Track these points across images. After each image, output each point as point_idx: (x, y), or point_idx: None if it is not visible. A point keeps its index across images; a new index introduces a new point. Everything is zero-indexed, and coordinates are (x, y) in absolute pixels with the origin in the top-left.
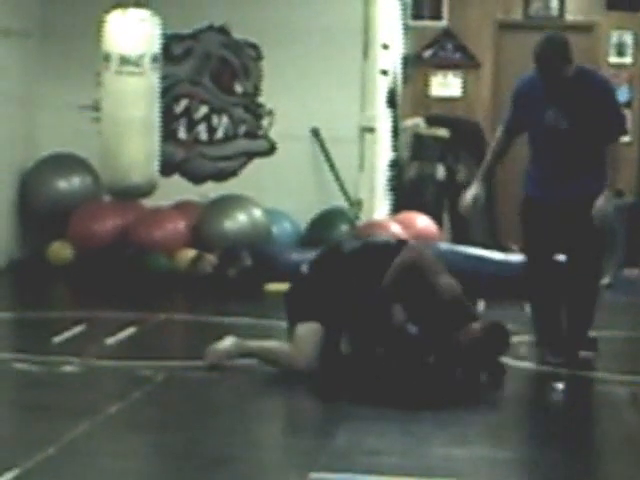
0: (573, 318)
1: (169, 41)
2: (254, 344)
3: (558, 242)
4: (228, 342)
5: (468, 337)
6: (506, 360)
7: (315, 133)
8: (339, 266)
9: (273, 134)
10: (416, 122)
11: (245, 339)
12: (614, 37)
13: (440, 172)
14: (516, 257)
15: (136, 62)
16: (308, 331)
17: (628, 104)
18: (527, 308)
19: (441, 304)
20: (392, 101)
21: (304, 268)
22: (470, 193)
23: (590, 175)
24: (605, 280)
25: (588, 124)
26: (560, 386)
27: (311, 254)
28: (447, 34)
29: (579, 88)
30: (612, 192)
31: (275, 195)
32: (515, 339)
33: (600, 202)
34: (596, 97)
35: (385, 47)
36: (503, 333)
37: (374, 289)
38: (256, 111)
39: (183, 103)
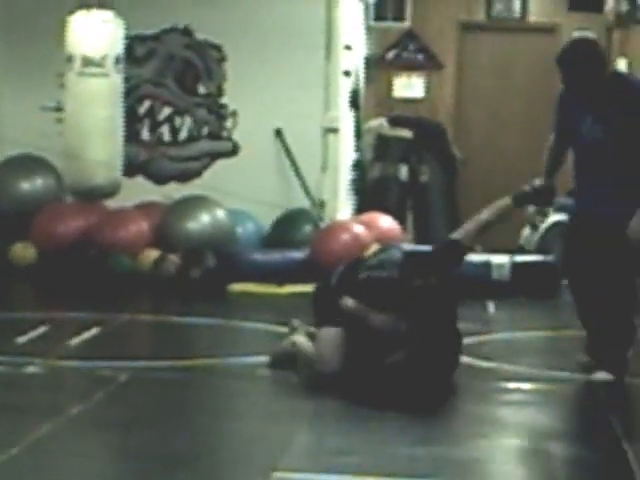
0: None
1: (132, 42)
2: (292, 346)
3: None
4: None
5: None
6: (470, 360)
7: (278, 134)
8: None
9: (236, 135)
10: (379, 123)
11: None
12: None
13: (403, 173)
14: (478, 257)
15: (99, 63)
16: (329, 336)
17: None
18: (491, 307)
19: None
20: (355, 102)
21: (333, 279)
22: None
23: (630, 191)
24: None
25: (626, 134)
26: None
27: (274, 255)
28: (410, 35)
29: (614, 95)
30: None
31: (238, 196)
32: (478, 339)
33: (636, 222)
34: (633, 104)
35: (348, 48)
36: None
37: None
38: (219, 112)
39: (146, 104)
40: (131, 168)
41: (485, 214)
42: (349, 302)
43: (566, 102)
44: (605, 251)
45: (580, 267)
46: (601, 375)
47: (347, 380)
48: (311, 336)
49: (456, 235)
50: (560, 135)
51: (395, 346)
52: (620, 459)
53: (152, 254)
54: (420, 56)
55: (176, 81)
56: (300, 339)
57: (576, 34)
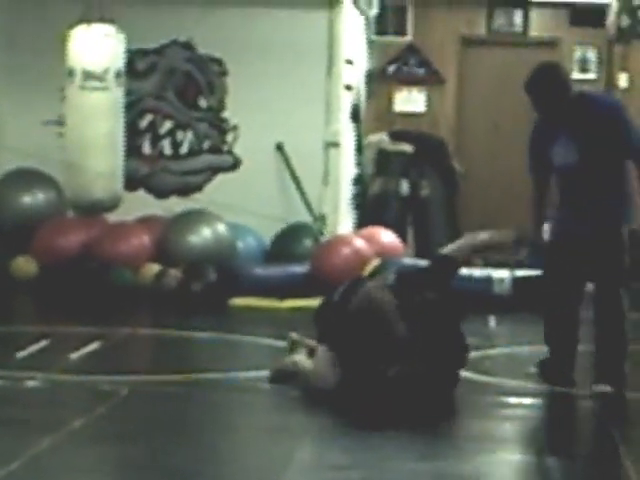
0: (604, 352)
1: (133, 56)
2: (292, 364)
3: (585, 274)
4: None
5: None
6: (471, 375)
7: (279, 148)
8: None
9: (237, 149)
10: (380, 137)
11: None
12: (577, 53)
13: (404, 187)
14: (479, 272)
15: (100, 77)
16: (324, 354)
17: None
18: (492, 322)
19: None
20: (356, 116)
21: (336, 296)
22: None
23: (613, 204)
24: None
25: (600, 153)
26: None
27: (275, 269)
28: (411, 49)
29: (582, 115)
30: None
31: (240, 210)
32: (478, 353)
33: None
34: (602, 122)
35: (349, 62)
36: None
37: None
38: (220, 126)
39: (147, 118)
40: (132, 182)
41: (484, 236)
42: None
43: (540, 130)
44: (593, 267)
45: (568, 284)
46: (601, 388)
47: (345, 394)
48: (311, 352)
49: (447, 250)
50: (540, 165)
51: (394, 359)
52: (620, 474)
53: (153, 268)
54: (421, 70)
55: (177, 95)
56: (301, 357)
57: (542, 62)
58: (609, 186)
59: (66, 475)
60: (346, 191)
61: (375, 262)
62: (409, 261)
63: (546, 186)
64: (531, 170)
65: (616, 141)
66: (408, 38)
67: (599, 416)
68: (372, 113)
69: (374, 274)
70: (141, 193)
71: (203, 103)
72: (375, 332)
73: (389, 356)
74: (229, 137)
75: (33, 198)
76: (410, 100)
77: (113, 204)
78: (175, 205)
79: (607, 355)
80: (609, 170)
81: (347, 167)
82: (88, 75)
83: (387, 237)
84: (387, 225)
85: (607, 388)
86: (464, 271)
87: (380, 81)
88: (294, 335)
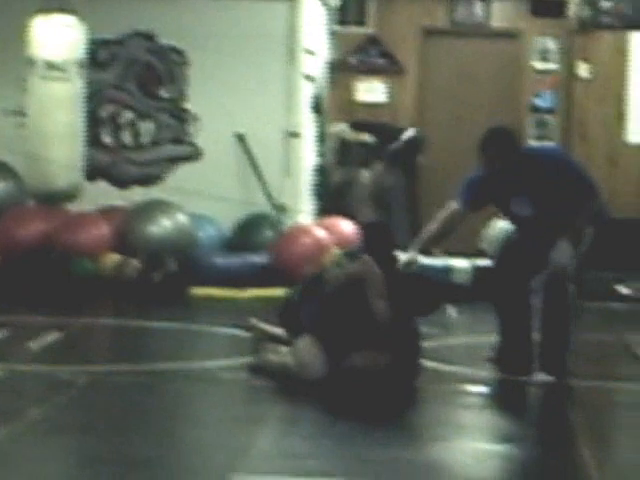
0: (548, 341)
1: (94, 46)
2: (276, 359)
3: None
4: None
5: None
6: (431, 364)
7: (240, 138)
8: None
9: (199, 139)
10: (341, 128)
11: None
12: (538, 43)
13: (365, 177)
14: (439, 262)
15: (61, 67)
16: (306, 344)
17: (552, 110)
18: (452, 312)
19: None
20: (317, 107)
21: (295, 296)
22: (406, 257)
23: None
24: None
25: (553, 204)
26: None
27: (235, 259)
28: (372, 40)
29: (530, 172)
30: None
31: (200, 200)
32: (439, 343)
33: (557, 255)
34: (551, 173)
35: (310, 53)
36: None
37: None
38: (181, 116)
39: (108, 108)
40: (93, 172)
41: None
42: None
43: (489, 181)
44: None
45: (517, 274)
46: (542, 377)
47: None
48: (274, 339)
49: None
50: (473, 205)
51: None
52: (577, 461)
53: (113, 258)
54: (382, 61)
55: (138, 85)
56: (272, 356)
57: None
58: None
59: (25, 465)
60: (307, 181)
61: (335, 251)
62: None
63: (461, 221)
64: (464, 205)
65: (571, 186)
66: (370, 29)
67: (555, 403)
68: (333, 103)
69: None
70: (102, 183)
71: (164, 93)
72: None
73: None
74: (190, 127)
75: None
76: (371, 90)
77: (74, 194)
78: (136, 195)
79: (550, 345)
80: (562, 218)
81: (308, 157)
82: (49, 65)
83: (347, 227)
84: (348, 215)
85: (548, 377)
86: (423, 260)
87: (341, 71)
88: (253, 320)
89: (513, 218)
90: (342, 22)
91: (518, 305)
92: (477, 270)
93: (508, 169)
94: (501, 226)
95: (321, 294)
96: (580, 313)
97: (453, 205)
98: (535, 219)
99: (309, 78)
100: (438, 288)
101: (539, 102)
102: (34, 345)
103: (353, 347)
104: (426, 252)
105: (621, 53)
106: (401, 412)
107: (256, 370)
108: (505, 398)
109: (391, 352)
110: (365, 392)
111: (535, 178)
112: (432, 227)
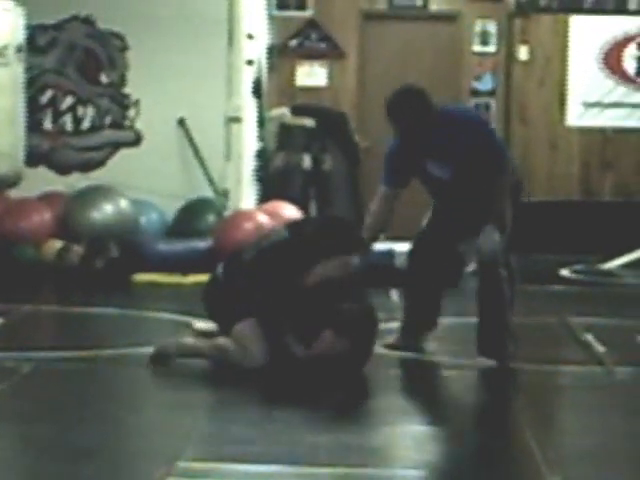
0: (484, 326)
1: (33, 31)
2: (204, 344)
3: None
4: (176, 340)
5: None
6: (374, 348)
7: (181, 123)
8: (243, 273)
9: (139, 124)
10: (282, 112)
11: (194, 338)
12: (478, 26)
13: (306, 162)
14: (382, 245)
15: (0, 52)
16: (248, 329)
17: (492, 92)
18: (394, 295)
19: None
20: (258, 91)
21: (219, 273)
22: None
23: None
24: (470, 267)
25: (470, 168)
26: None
27: (178, 245)
28: (312, 24)
29: (446, 131)
30: (496, 224)
31: (142, 185)
32: (382, 326)
33: (483, 242)
34: (467, 133)
35: (250, 37)
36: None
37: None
38: (122, 101)
39: (48, 94)
40: (34, 158)
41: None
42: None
43: (405, 148)
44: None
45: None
46: (482, 361)
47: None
48: (204, 334)
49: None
50: (398, 180)
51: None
52: (520, 443)
53: (55, 244)
54: (322, 45)
55: (78, 70)
56: (191, 340)
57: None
58: (481, 199)
59: None
60: (248, 166)
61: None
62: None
63: (395, 200)
64: (389, 183)
65: (484, 149)
66: (309, 13)
67: (498, 386)
68: (274, 87)
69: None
70: (42, 169)
71: (104, 78)
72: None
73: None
74: (131, 112)
75: None
76: (312, 74)
77: (14, 180)
78: (77, 181)
79: (487, 329)
80: (482, 182)
81: (249, 142)
82: None
83: (290, 211)
84: (290, 199)
85: (489, 362)
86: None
87: (282, 56)
88: (200, 325)
89: (432, 186)
90: (282, 6)
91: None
92: None
93: (423, 131)
94: None
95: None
96: (514, 296)
97: (382, 189)
98: (454, 186)
99: (249, 62)
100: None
101: (479, 85)
102: None
103: (291, 329)
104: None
105: (560, 35)
106: (344, 397)
107: (162, 358)
108: (449, 382)
109: (350, 338)
110: (312, 377)
111: (451, 137)
112: (370, 221)
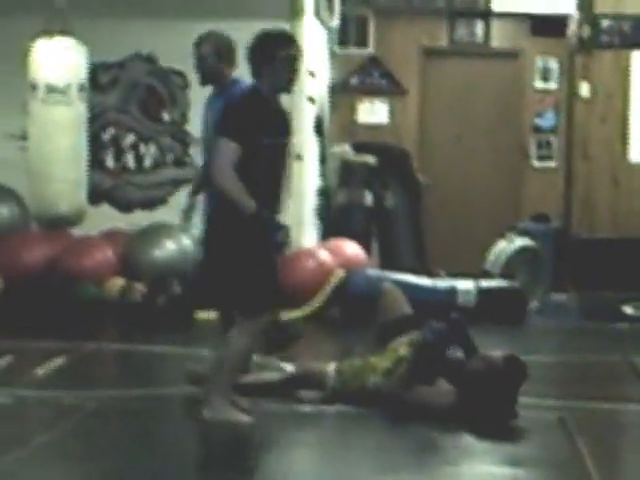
0: None
1: (96, 69)
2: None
3: None
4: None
5: (486, 365)
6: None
7: None
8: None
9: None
10: (344, 149)
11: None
12: (539, 63)
13: (368, 199)
14: (443, 283)
15: (63, 91)
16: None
17: (554, 129)
18: None
19: None
20: (319, 128)
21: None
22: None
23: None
24: (533, 304)
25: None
26: None
27: None
28: (373, 61)
29: (224, 97)
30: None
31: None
32: None
33: None
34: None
35: (312, 74)
36: (522, 367)
37: None
38: (184, 139)
39: (111, 132)
40: (96, 196)
41: None
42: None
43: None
44: None
45: None
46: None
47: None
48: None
49: None
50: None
51: None
52: None
53: (118, 282)
54: (383, 82)
55: (140, 108)
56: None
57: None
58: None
59: None
60: (310, 203)
61: (339, 274)
62: (374, 272)
63: None
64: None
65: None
66: (370, 49)
67: (561, 426)
68: (335, 125)
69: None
70: (105, 207)
71: (166, 116)
72: None
73: None
74: (192, 150)
75: None
76: (373, 111)
77: (77, 218)
78: (139, 218)
79: None
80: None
81: (311, 179)
82: (51, 89)
83: (351, 249)
84: (352, 237)
85: None
86: (427, 282)
87: (343, 93)
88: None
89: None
90: (343, 43)
91: None
92: (481, 292)
93: (214, 77)
94: (504, 247)
95: None
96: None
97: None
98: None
99: (311, 100)
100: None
101: (541, 122)
102: (39, 370)
103: None
104: (431, 274)
105: (622, 72)
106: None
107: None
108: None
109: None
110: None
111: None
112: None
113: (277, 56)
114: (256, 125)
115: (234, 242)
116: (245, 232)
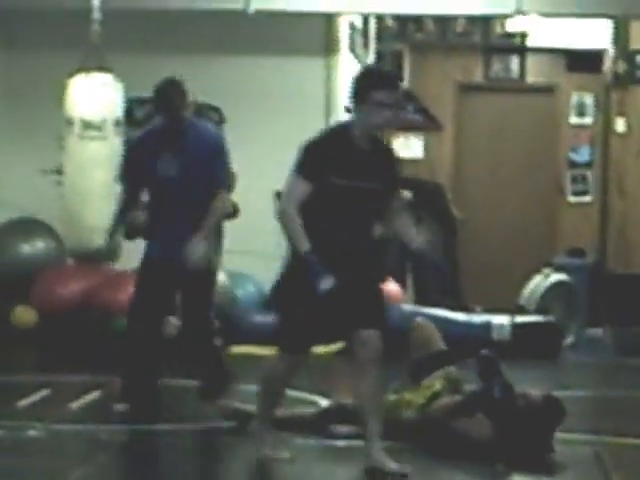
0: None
1: (131, 105)
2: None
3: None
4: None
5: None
6: None
7: (279, 196)
8: None
9: (236, 197)
10: None
11: None
12: (575, 98)
13: None
14: (478, 317)
15: (99, 126)
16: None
17: (589, 164)
18: None
19: None
20: None
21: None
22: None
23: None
24: (568, 339)
25: (194, 174)
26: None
27: (274, 316)
28: (408, 96)
29: (191, 138)
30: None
31: (239, 258)
32: None
33: (192, 251)
34: (205, 149)
35: (347, 110)
36: (560, 407)
37: None
38: None
39: None
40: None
41: None
42: None
43: (140, 144)
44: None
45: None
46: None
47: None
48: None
49: None
50: (133, 177)
51: None
52: None
53: None
54: (418, 117)
55: None
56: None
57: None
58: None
59: None
60: None
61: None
62: (409, 308)
63: (135, 198)
64: (125, 182)
65: (208, 168)
66: (405, 84)
67: (596, 462)
68: None
69: None
70: (140, 242)
71: None
72: None
73: None
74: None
75: (32, 247)
76: (408, 146)
77: (113, 253)
78: None
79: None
80: (200, 193)
81: None
82: (87, 124)
83: (386, 284)
84: (387, 272)
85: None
86: (462, 317)
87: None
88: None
89: (158, 187)
90: None
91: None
92: (516, 326)
93: (178, 120)
94: (540, 282)
95: None
96: None
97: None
98: (177, 183)
99: None
100: None
101: (576, 157)
102: (75, 404)
103: None
104: (466, 309)
105: None
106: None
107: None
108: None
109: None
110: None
111: (188, 146)
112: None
113: (370, 98)
114: (327, 163)
115: (285, 277)
116: (293, 270)
